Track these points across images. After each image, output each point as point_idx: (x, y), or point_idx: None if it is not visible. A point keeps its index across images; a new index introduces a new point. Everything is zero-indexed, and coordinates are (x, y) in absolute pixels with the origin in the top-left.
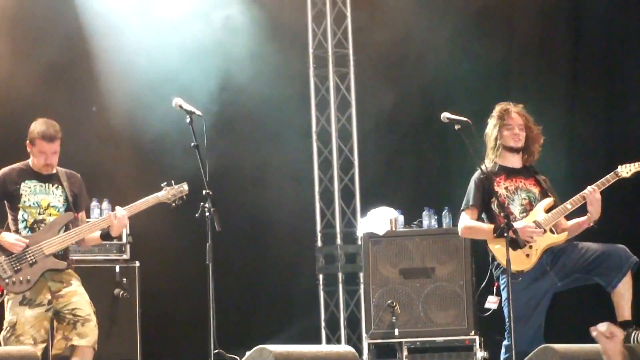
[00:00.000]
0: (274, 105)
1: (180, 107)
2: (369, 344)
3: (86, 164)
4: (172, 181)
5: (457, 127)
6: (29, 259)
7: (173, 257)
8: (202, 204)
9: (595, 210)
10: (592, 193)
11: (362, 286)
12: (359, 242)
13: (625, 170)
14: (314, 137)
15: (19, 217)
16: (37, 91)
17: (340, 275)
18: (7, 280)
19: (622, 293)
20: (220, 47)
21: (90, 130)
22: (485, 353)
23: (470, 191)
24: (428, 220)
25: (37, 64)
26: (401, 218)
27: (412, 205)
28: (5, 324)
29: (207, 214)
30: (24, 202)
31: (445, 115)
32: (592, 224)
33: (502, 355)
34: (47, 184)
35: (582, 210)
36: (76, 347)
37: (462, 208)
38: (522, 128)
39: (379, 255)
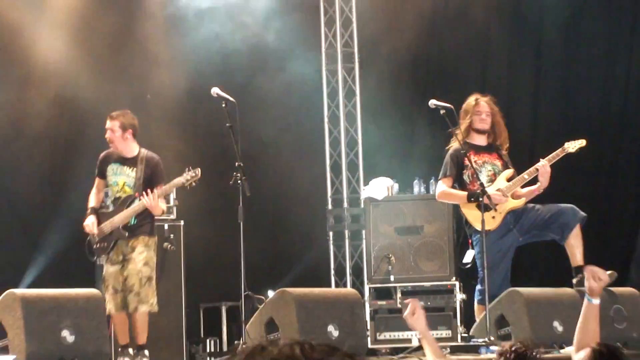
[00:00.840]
0: (293, 95)
1: (217, 94)
2: (369, 288)
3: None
4: (190, 167)
5: (442, 111)
6: (106, 229)
7: (211, 217)
8: (235, 173)
9: (545, 180)
10: (544, 166)
11: (364, 241)
12: (362, 205)
13: (571, 146)
14: (326, 120)
15: (108, 193)
16: (99, 87)
17: (346, 232)
18: (95, 246)
19: (573, 244)
20: (249, 49)
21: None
22: (464, 295)
23: (446, 163)
24: (418, 187)
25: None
26: (396, 186)
27: (405, 176)
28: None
29: (239, 181)
30: (109, 181)
31: (432, 102)
32: (541, 191)
33: (476, 297)
34: (125, 167)
35: (534, 180)
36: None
37: (439, 177)
38: (488, 114)
39: (378, 216)
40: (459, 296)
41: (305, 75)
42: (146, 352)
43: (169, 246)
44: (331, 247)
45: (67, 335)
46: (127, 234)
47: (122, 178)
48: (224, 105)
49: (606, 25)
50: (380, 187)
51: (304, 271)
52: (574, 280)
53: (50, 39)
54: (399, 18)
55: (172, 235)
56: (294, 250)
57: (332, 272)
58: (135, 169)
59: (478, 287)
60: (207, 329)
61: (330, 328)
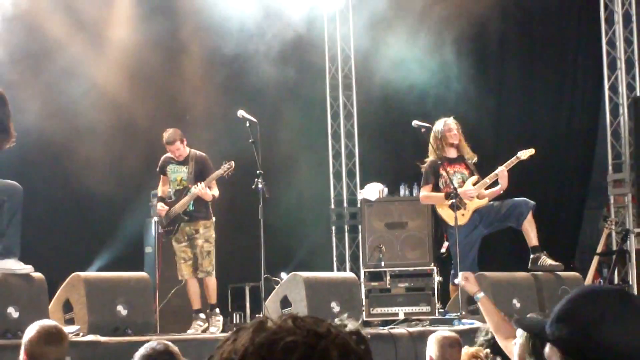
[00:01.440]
0: (303, 116)
1: (243, 116)
2: (364, 272)
3: None
4: (226, 160)
5: (423, 130)
6: (171, 215)
7: (237, 214)
8: (256, 179)
9: (504, 182)
10: (502, 171)
11: (360, 234)
12: (358, 205)
13: (523, 154)
14: (329, 136)
15: (170, 187)
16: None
17: (346, 227)
18: (164, 229)
19: (528, 228)
20: (270, 80)
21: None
22: (440, 278)
23: (426, 173)
24: (403, 191)
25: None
26: (386, 190)
27: (393, 181)
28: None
29: (260, 185)
30: (169, 177)
31: (415, 122)
32: (502, 192)
33: (451, 279)
34: (179, 166)
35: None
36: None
37: (421, 185)
38: (458, 130)
39: (371, 214)
40: (437, 279)
41: (313, 101)
42: (217, 310)
43: None
44: (333, 238)
45: (121, 310)
46: (186, 218)
47: (179, 174)
48: (247, 124)
49: (554, 56)
50: (373, 191)
51: (312, 258)
52: (531, 257)
53: (109, 70)
54: (388, 55)
55: None
56: (304, 241)
57: (334, 259)
58: (187, 166)
59: (452, 271)
60: (233, 304)
61: (333, 304)
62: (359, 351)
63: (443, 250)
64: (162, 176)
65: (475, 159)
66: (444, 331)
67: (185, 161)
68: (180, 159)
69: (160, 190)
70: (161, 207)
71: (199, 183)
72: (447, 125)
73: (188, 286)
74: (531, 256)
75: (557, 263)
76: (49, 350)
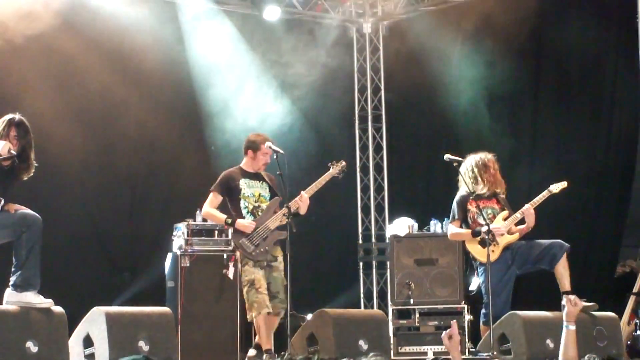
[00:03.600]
0: (330, 149)
1: (270, 147)
2: (392, 309)
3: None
4: (333, 160)
5: (455, 164)
6: (262, 234)
7: None
8: (283, 214)
9: (530, 220)
10: (527, 209)
11: (388, 270)
12: (387, 241)
13: (555, 188)
14: (358, 170)
15: (241, 205)
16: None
17: (374, 262)
18: (252, 253)
19: (562, 272)
20: (298, 111)
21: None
22: (471, 316)
23: (454, 209)
24: (434, 227)
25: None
26: (416, 225)
27: (423, 216)
28: (245, 282)
29: (287, 220)
30: (244, 193)
31: (447, 156)
32: (529, 230)
33: (481, 319)
34: (255, 181)
35: None
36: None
37: (449, 221)
38: (494, 169)
39: (400, 249)
40: (467, 317)
41: (341, 133)
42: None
43: (227, 272)
44: (361, 275)
45: (143, 345)
46: (285, 234)
47: (257, 190)
48: (275, 157)
49: (591, 89)
50: (402, 226)
51: (339, 295)
52: (563, 303)
53: (133, 96)
54: (418, 88)
55: (230, 264)
56: (331, 277)
57: (362, 295)
58: (262, 181)
59: (483, 310)
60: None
61: (361, 342)
62: None
63: (473, 287)
64: (218, 196)
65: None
66: None
67: (258, 176)
68: (262, 168)
69: (212, 209)
70: (248, 224)
71: (301, 194)
72: (483, 161)
73: (266, 324)
74: (563, 301)
75: (590, 303)
76: None
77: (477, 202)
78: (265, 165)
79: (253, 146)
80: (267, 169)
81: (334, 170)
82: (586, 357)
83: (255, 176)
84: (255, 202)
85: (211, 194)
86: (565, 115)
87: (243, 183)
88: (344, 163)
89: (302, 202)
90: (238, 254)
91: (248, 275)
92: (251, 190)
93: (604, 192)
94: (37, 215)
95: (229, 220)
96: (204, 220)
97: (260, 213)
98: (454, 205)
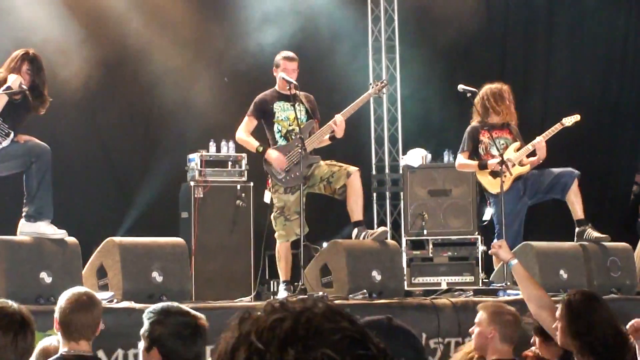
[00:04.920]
0: (344, 81)
1: (284, 78)
2: (406, 240)
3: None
4: (374, 79)
5: (468, 95)
6: (294, 159)
7: None
8: (296, 145)
9: (541, 153)
10: (539, 142)
11: (402, 201)
12: (401, 172)
13: (568, 121)
14: (372, 101)
15: (275, 129)
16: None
17: (387, 194)
18: (282, 180)
19: (573, 200)
20: (310, 43)
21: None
22: (484, 247)
23: (464, 140)
24: (447, 157)
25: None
26: (429, 156)
27: (437, 147)
28: (275, 208)
29: (300, 150)
30: (278, 117)
31: (461, 87)
32: (540, 162)
33: None
34: (289, 103)
35: None
36: (347, 181)
37: (458, 151)
38: (509, 100)
39: (414, 180)
40: (481, 248)
41: (355, 65)
42: None
43: (241, 203)
44: (374, 206)
45: (157, 276)
46: (319, 158)
47: (291, 112)
48: (288, 88)
49: (605, 22)
50: (416, 157)
51: (352, 226)
52: (577, 230)
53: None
54: (432, 15)
55: (243, 194)
56: (344, 207)
57: (375, 226)
58: (300, 103)
59: (495, 240)
60: (271, 272)
61: (374, 273)
62: (346, 314)
63: (486, 217)
64: (254, 119)
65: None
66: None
67: (296, 98)
68: (293, 89)
69: (245, 134)
70: (276, 157)
71: (336, 117)
72: (499, 91)
73: (287, 253)
74: (576, 230)
75: (603, 235)
76: (81, 318)
77: (490, 133)
78: (292, 87)
79: (275, 63)
80: (304, 88)
81: (374, 90)
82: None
83: (289, 97)
84: (290, 125)
85: (246, 118)
86: (579, 47)
87: (277, 106)
88: (385, 82)
89: (337, 126)
90: (269, 178)
91: (278, 202)
92: (285, 114)
93: (618, 123)
94: (46, 145)
95: (260, 149)
96: (217, 150)
97: (294, 136)
98: (465, 135)
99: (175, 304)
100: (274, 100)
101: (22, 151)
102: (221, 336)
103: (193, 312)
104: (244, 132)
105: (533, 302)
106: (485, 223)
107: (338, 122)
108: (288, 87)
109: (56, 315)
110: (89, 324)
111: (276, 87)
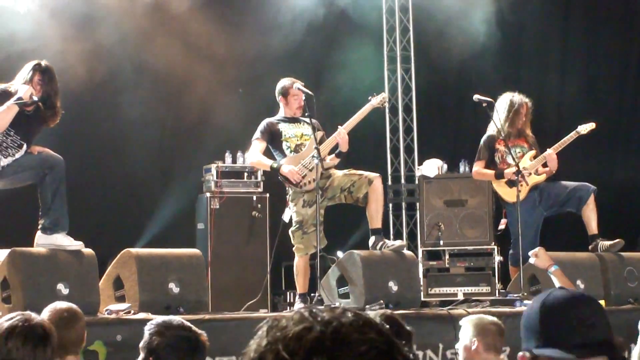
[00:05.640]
0: (359, 91)
1: (299, 88)
2: (422, 251)
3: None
4: (374, 93)
5: (484, 104)
6: (308, 165)
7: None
8: (312, 155)
9: (552, 165)
10: (550, 154)
11: (418, 212)
12: (417, 182)
13: (583, 129)
14: (387, 111)
15: (284, 146)
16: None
17: (403, 204)
18: (303, 186)
19: (589, 215)
20: (327, 53)
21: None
22: (501, 257)
23: (480, 149)
24: (463, 167)
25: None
26: (445, 166)
27: (453, 157)
28: (294, 222)
29: (316, 160)
30: (285, 135)
31: (476, 97)
32: (551, 174)
33: (510, 259)
34: (295, 123)
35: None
36: (370, 188)
37: (475, 160)
38: (528, 115)
39: (430, 191)
40: (497, 258)
41: (370, 75)
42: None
43: (256, 214)
44: (390, 216)
45: (173, 287)
46: (337, 160)
47: (298, 130)
48: (304, 98)
49: (620, 25)
50: (432, 167)
51: (368, 236)
52: (590, 247)
53: (162, 41)
54: (447, 25)
55: (259, 205)
56: (360, 219)
57: (391, 237)
58: (303, 123)
59: (511, 251)
60: (287, 283)
61: (391, 283)
62: (375, 324)
63: (501, 226)
64: (263, 143)
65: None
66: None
67: (296, 120)
68: (299, 112)
69: (257, 156)
70: (290, 170)
71: (339, 128)
72: (518, 108)
73: (305, 267)
74: (590, 246)
75: (615, 241)
76: (64, 335)
77: (506, 142)
78: (300, 109)
79: (283, 91)
80: (317, 100)
81: (375, 101)
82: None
83: (295, 120)
84: (298, 140)
85: (255, 142)
86: (594, 52)
87: (283, 126)
88: (384, 95)
89: (340, 138)
90: (288, 196)
91: (297, 216)
92: (293, 131)
93: (634, 133)
94: (59, 156)
95: (275, 166)
96: (233, 162)
97: (303, 149)
98: (481, 144)
99: (178, 318)
100: (279, 122)
101: (35, 162)
102: (249, 343)
103: (194, 328)
104: (256, 154)
105: None
106: (500, 232)
107: (341, 135)
108: (304, 98)
109: None
110: (72, 341)
111: (282, 113)
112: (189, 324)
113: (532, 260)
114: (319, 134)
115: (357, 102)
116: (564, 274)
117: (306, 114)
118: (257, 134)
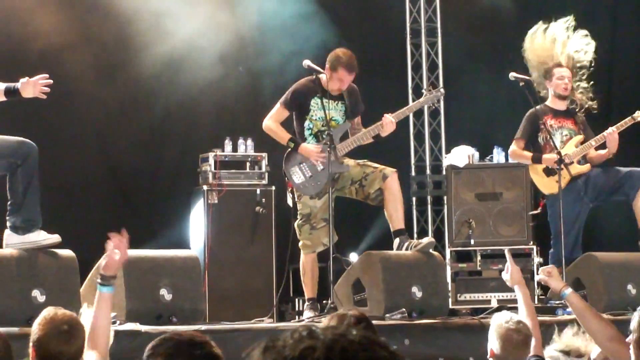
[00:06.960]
0: (378, 69)
1: (309, 66)
2: (450, 251)
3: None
4: (430, 87)
5: (521, 83)
6: (318, 165)
7: None
8: (324, 142)
9: (613, 146)
10: (612, 134)
11: (445, 207)
12: (444, 173)
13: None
14: (410, 91)
15: (305, 125)
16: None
17: (428, 198)
18: (301, 185)
19: None
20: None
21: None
22: (541, 259)
23: (522, 126)
24: (497, 156)
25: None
26: (477, 154)
27: (485, 145)
28: (300, 215)
29: (328, 147)
30: (312, 115)
31: (512, 75)
32: (610, 156)
33: (550, 260)
34: (331, 100)
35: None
36: (384, 185)
37: (514, 137)
38: (570, 79)
39: (459, 182)
40: (536, 260)
41: (390, 50)
42: None
43: (261, 210)
44: (414, 212)
45: (165, 294)
46: (349, 167)
47: (331, 111)
48: (313, 76)
49: None
50: (461, 155)
51: (387, 235)
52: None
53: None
54: None
55: (263, 200)
56: (379, 215)
57: (415, 236)
58: (339, 102)
59: (551, 250)
60: (295, 288)
61: (414, 289)
62: (382, 342)
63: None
64: (285, 110)
65: (589, 104)
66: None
67: (338, 96)
68: (340, 90)
69: (275, 124)
70: (315, 150)
71: (385, 116)
72: (558, 72)
73: (313, 266)
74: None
75: None
76: (63, 350)
77: (552, 120)
78: (339, 91)
79: (331, 64)
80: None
81: (432, 96)
82: None
83: (331, 96)
84: (323, 125)
85: (278, 106)
86: None
87: (314, 103)
88: (442, 90)
89: (384, 125)
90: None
91: (303, 208)
92: (321, 113)
93: None
94: (31, 142)
95: (292, 144)
96: (234, 150)
97: (324, 136)
98: (523, 120)
99: (190, 331)
100: (313, 94)
101: (6, 150)
102: None
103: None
104: (274, 121)
105: (599, 335)
106: (532, 225)
107: (385, 124)
108: (336, 88)
109: (32, 343)
110: (70, 356)
111: (321, 82)
112: (204, 337)
113: (541, 279)
114: (343, 126)
115: (378, 78)
116: (580, 298)
117: (317, 95)
118: (284, 99)
